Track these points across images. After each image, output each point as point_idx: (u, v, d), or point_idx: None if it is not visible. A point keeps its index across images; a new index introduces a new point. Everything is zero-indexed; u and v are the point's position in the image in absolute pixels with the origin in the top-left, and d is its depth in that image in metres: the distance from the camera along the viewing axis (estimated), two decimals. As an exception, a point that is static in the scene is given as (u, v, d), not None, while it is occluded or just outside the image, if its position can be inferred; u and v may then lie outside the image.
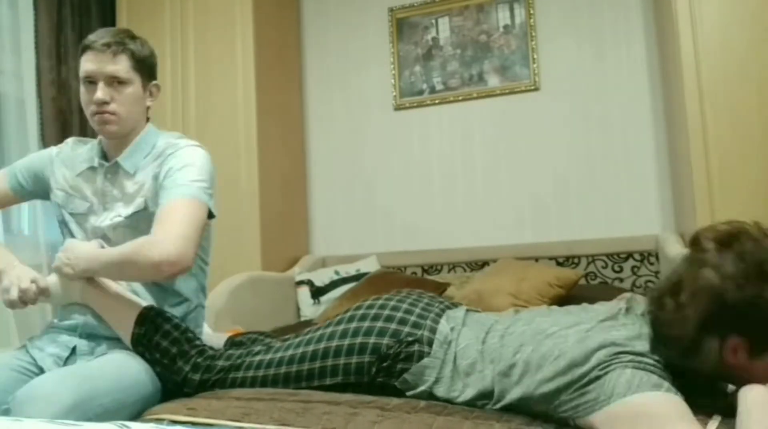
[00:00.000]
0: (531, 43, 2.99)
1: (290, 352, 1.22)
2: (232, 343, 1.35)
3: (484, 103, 3.06)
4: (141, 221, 1.39)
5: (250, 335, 1.41)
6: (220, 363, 1.25)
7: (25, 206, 2.65)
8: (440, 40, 3.15)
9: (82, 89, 1.41)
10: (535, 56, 2.98)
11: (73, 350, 1.36)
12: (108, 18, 3.05)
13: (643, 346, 0.98)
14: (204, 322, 1.57)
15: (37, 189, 1.54)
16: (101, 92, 1.37)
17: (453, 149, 3.10)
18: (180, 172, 1.35)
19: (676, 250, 2.36)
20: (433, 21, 3.17)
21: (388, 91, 3.23)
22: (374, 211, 3.21)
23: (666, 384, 0.92)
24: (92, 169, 1.47)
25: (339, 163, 3.31)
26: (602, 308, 1.17)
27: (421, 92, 3.17)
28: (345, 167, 3.29)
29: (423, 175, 3.14)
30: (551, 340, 1.04)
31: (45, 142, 2.65)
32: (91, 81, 1.39)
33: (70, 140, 1.57)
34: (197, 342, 1.31)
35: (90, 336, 1.38)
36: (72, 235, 1.47)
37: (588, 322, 1.06)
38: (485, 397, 1.08)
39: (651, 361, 0.95)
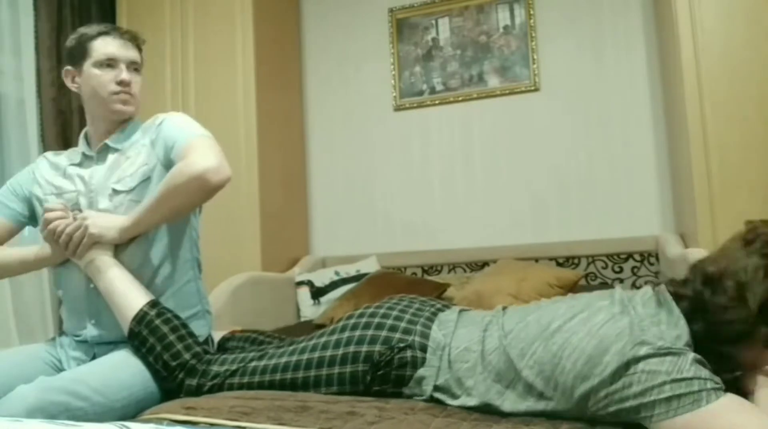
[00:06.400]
0: (531, 44, 2.98)
1: (284, 359, 1.22)
2: (228, 339, 1.34)
3: (484, 104, 3.06)
4: (144, 195, 1.39)
5: (247, 334, 1.40)
6: (215, 368, 1.25)
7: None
8: (440, 41, 3.15)
9: (97, 72, 1.42)
10: (535, 57, 2.97)
11: (94, 357, 1.37)
12: (108, 19, 3.05)
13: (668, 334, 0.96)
14: (211, 329, 1.54)
15: (28, 210, 1.50)
16: (126, 74, 1.43)
17: (453, 150, 3.10)
18: (183, 125, 1.40)
19: (676, 250, 2.36)
20: (433, 21, 3.17)
21: (388, 91, 3.23)
22: (374, 211, 3.21)
23: (707, 387, 0.87)
24: (83, 159, 1.49)
25: (339, 163, 3.31)
26: (599, 294, 1.17)
27: (421, 93, 3.17)
28: (345, 167, 3.29)
29: (423, 175, 3.14)
30: (559, 335, 1.02)
31: (45, 143, 2.65)
32: (111, 64, 1.43)
33: (47, 154, 1.57)
34: (193, 344, 1.29)
35: (105, 343, 1.38)
36: None
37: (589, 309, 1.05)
38: (488, 405, 1.07)
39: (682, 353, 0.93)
